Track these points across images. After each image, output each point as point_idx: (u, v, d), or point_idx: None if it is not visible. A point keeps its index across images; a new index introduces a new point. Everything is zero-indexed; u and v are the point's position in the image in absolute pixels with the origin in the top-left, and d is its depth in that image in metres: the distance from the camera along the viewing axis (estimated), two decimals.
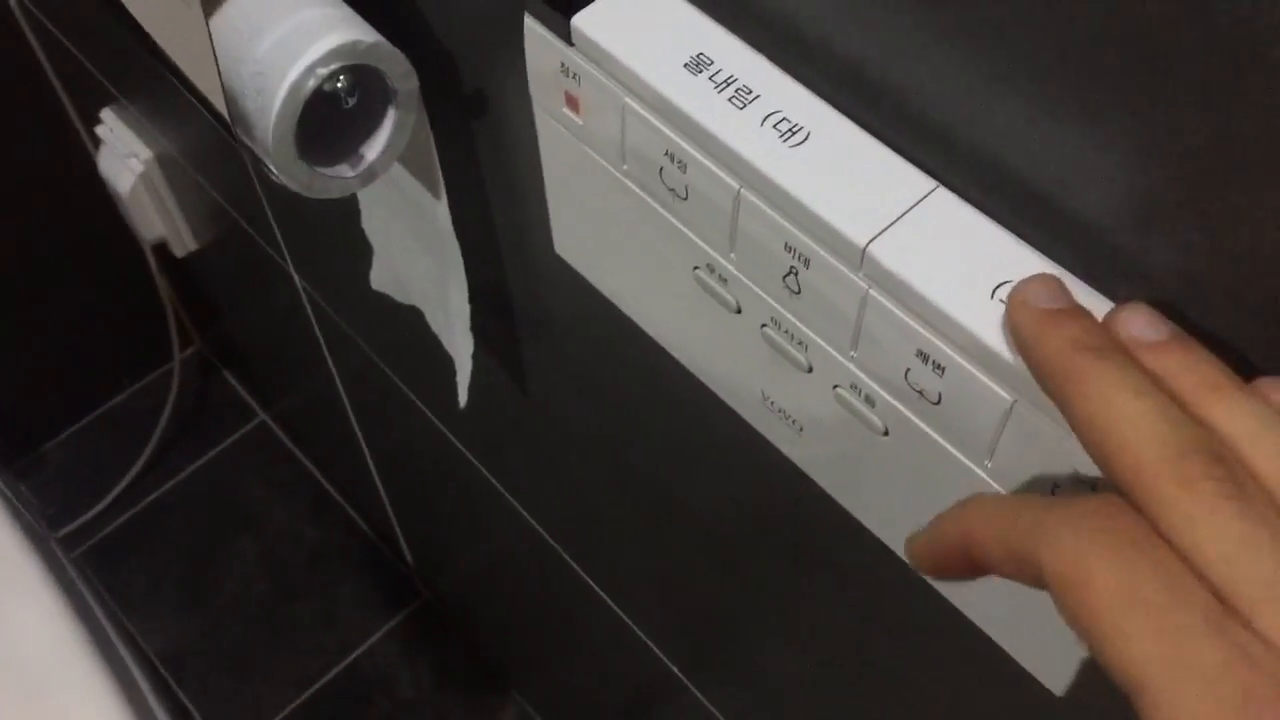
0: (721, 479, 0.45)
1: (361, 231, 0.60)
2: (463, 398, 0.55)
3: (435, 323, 0.56)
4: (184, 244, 1.03)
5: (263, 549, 1.30)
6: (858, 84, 0.27)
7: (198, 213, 0.97)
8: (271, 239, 0.83)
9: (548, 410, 0.58)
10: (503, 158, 0.42)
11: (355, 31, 0.39)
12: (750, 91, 0.28)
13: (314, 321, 0.88)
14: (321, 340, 0.90)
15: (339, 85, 0.39)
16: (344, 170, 0.42)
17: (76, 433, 1.34)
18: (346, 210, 0.63)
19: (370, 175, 0.42)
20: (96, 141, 0.99)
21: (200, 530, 1.31)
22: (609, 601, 0.71)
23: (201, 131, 0.80)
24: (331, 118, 0.41)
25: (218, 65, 0.38)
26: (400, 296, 0.59)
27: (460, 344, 0.53)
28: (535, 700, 1.19)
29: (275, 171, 0.40)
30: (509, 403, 0.61)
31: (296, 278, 0.83)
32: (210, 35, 0.37)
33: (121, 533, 1.30)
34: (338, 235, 0.70)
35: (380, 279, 0.59)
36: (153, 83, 0.82)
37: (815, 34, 0.27)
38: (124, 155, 0.94)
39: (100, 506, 1.30)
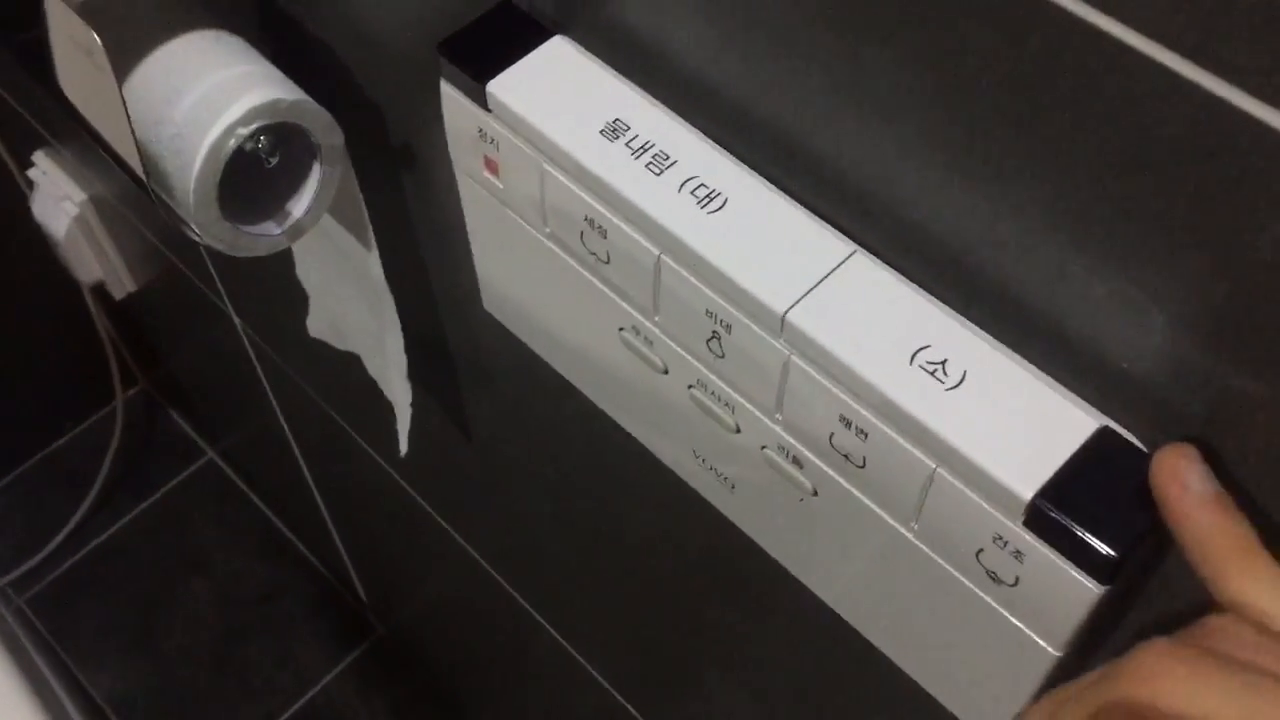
0: (660, 522, 0.45)
1: (287, 279, 0.59)
2: (404, 445, 0.55)
3: (374, 369, 0.55)
4: (123, 285, 1.01)
5: (214, 589, 1.28)
6: (774, 147, 0.27)
7: (135, 254, 0.96)
8: (210, 282, 0.82)
9: (491, 453, 0.58)
10: (431, 213, 0.42)
11: (276, 89, 0.38)
12: (667, 157, 0.28)
13: (256, 363, 0.87)
14: (265, 381, 0.89)
15: (260, 144, 0.39)
16: (270, 228, 0.41)
17: (18, 477, 1.32)
18: (282, 257, 0.63)
19: (297, 232, 0.42)
20: (29, 184, 0.97)
21: (149, 572, 1.29)
22: (557, 637, 0.70)
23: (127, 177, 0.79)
24: (255, 175, 0.40)
25: (132, 129, 0.37)
26: (338, 343, 0.58)
27: (399, 391, 0.53)
28: None
29: (198, 233, 0.40)
30: (452, 446, 0.61)
31: (237, 320, 0.82)
32: (124, 99, 0.37)
33: (68, 577, 1.27)
34: (275, 281, 0.69)
35: (317, 326, 0.58)
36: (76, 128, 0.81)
37: (731, 98, 0.27)
38: (58, 198, 0.93)
39: (46, 551, 1.27)
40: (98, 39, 0.35)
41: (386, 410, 0.63)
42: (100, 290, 1.08)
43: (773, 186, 0.27)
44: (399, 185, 0.43)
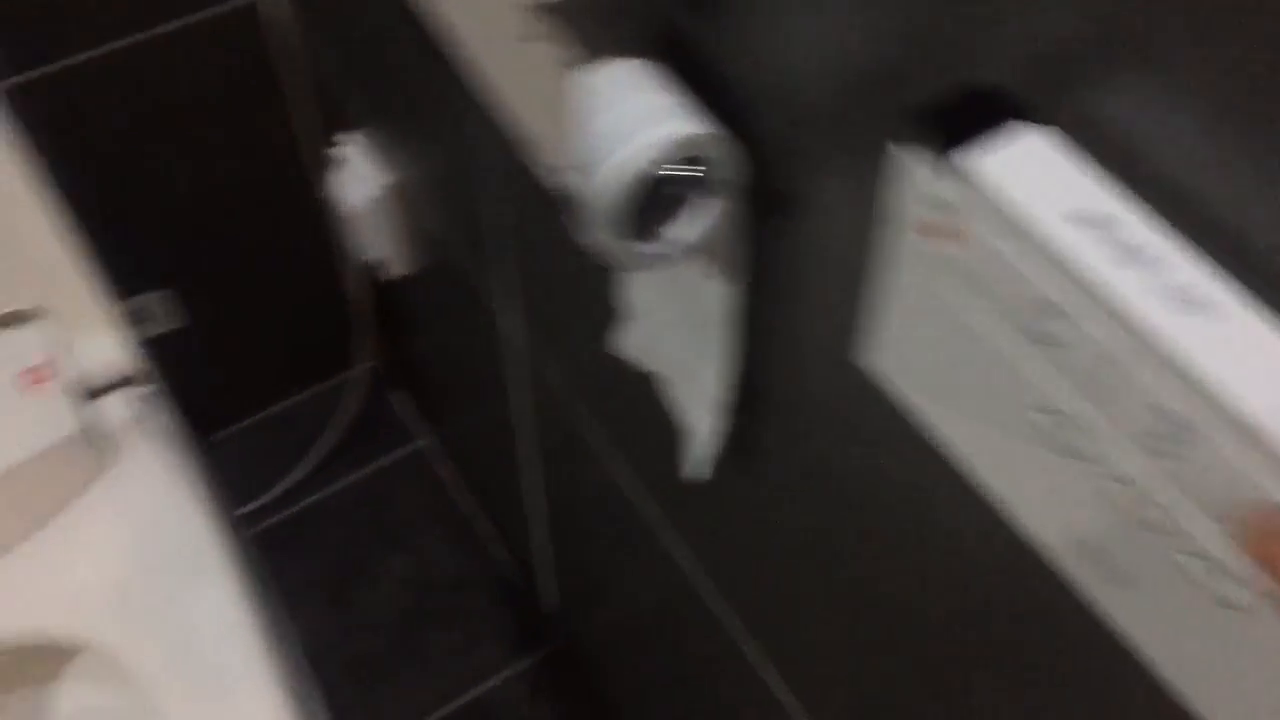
0: (957, 591, 0.45)
1: (594, 292, 0.61)
2: (694, 468, 0.56)
3: (679, 394, 0.57)
4: (394, 269, 1.07)
5: (408, 568, 1.33)
6: (1263, 265, 0.27)
7: (416, 242, 1.01)
8: (484, 280, 0.86)
9: (762, 489, 0.58)
10: (812, 262, 0.43)
11: (696, 124, 0.40)
12: (1143, 252, 0.28)
13: (506, 362, 0.90)
14: (509, 381, 0.92)
15: (670, 173, 0.41)
16: (652, 247, 0.43)
17: (247, 427, 1.39)
18: (584, 270, 0.65)
19: (679, 255, 0.43)
20: (330, 161, 1.04)
21: (351, 540, 1.34)
22: (780, 695, 0.70)
23: (443, 167, 0.83)
24: (649, 196, 0.42)
25: (567, 133, 0.40)
26: (642, 363, 0.60)
27: (705, 420, 0.54)
28: None
29: (596, 242, 0.42)
30: (722, 477, 0.62)
31: (499, 319, 0.85)
32: (567, 105, 0.39)
33: (276, 530, 1.34)
34: (566, 290, 0.72)
35: (626, 343, 0.60)
36: (401, 115, 0.86)
37: (1225, 215, 0.27)
38: (361, 178, 0.99)
39: (262, 500, 1.34)
40: (556, 41, 0.37)
41: (655, 429, 0.65)
42: (368, 269, 1.14)
43: (1254, 298, 0.27)
44: (778, 230, 0.44)
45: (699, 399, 0.54)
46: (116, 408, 0.90)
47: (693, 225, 0.43)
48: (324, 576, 1.32)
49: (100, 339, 0.91)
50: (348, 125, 1.04)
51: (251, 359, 1.33)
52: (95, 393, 0.90)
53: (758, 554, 0.63)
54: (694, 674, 0.89)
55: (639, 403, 0.69)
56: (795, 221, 0.43)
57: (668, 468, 0.70)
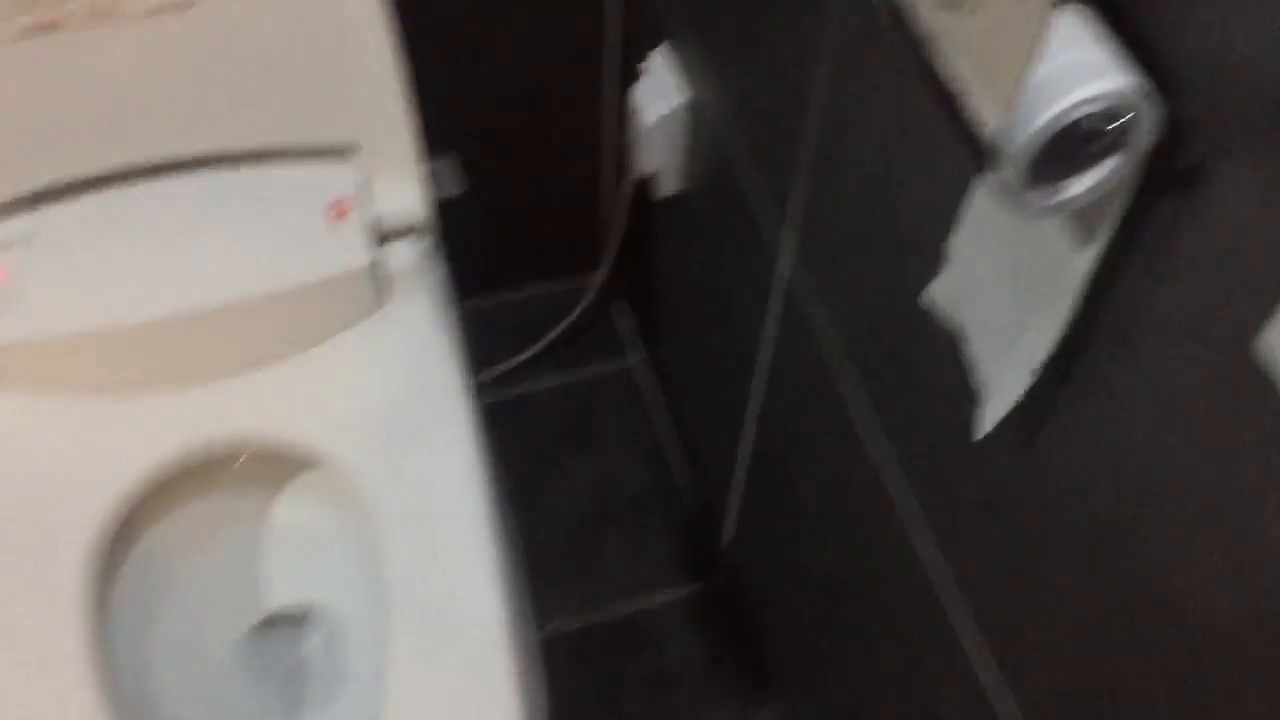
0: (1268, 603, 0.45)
1: (889, 236, 0.63)
2: (985, 428, 0.58)
3: (985, 351, 0.58)
4: (668, 186, 1.10)
5: (597, 472, 1.38)
6: None
7: (699, 162, 1.04)
8: (765, 208, 0.88)
9: (1044, 469, 0.59)
10: (1210, 242, 0.43)
11: (1127, 80, 0.41)
12: None
13: (770, 296, 0.93)
14: (768, 317, 0.95)
15: (1088, 124, 0.42)
16: (1046, 198, 0.45)
17: (485, 306, 1.46)
18: (885, 213, 0.67)
19: (1067, 209, 0.45)
20: (635, 72, 1.07)
21: (548, 437, 1.40)
22: (982, 672, 0.71)
23: (754, 91, 0.85)
24: (1059, 149, 0.43)
25: (1008, 79, 0.41)
26: (948, 315, 0.61)
27: (1012, 382, 0.55)
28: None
29: (1001, 186, 0.43)
30: (999, 448, 0.63)
31: (777, 251, 0.87)
32: (1029, 52, 0.41)
33: (486, 411, 1.40)
34: (861, 229, 0.73)
35: (937, 293, 0.61)
36: (721, 33, 0.88)
37: None
38: (660, 91, 1.02)
39: (478, 379, 1.41)
40: None
41: (927, 385, 0.66)
42: (637, 181, 1.18)
43: None
44: (1182, 201, 0.45)
45: (1011, 359, 0.55)
46: (401, 254, 0.96)
47: (1093, 181, 0.44)
48: (514, 466, 1.38)
49: (399, 187, 0.96)
50: (657, 37, 1.07)
51: (501, 243, 1.39)
52: (385, 236, 0.96)
53: (1008, 524, 0.64)
54: (876, 633, 0.90)
55: (908, 356, 0.70)
56: (1200, 197, 0.43)
57: (920, 424, 0.71)
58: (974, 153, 0.44)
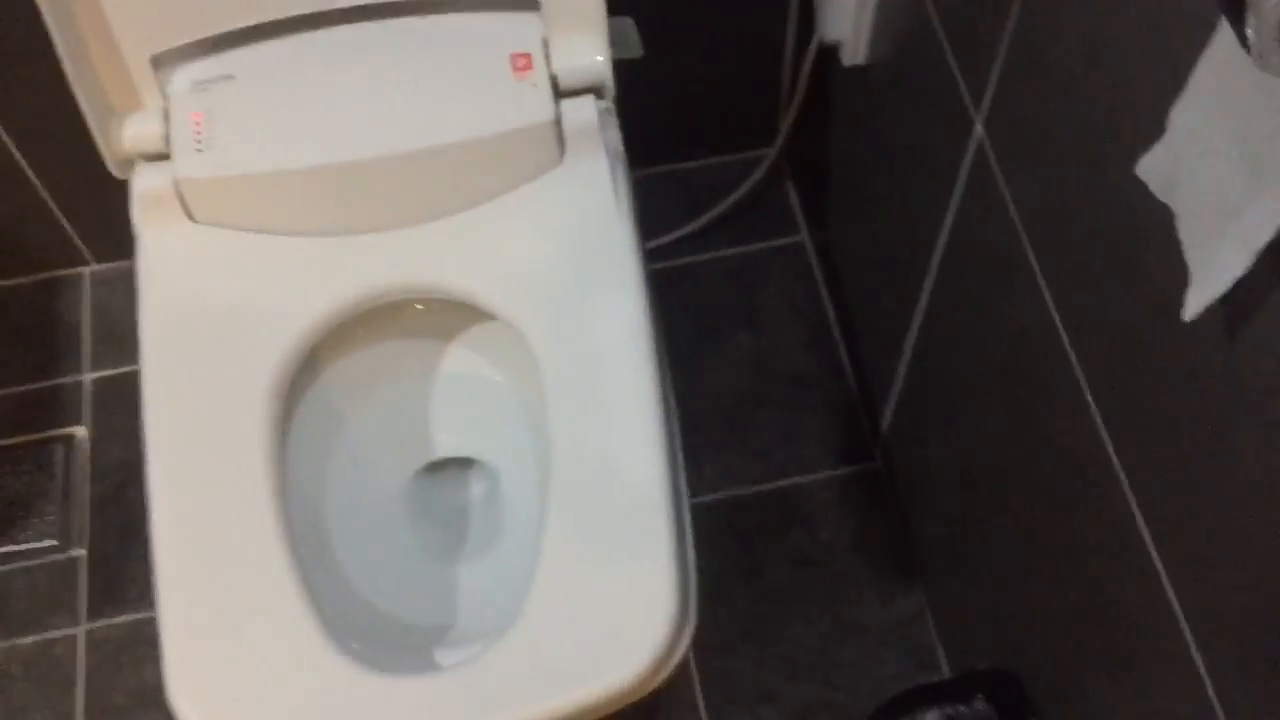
0: None
1: (1105, 103, 0.59)
2: (1194, 310, 0.54)
3: (1197, 231, 0.55)
4: (855, 54, 1.06)
5: (756, 349, 1.37)
6: None
7: (891, 30, 0.99)
8: (959, 80, 0.84)
9: (1249, 363, 0.56)
10: None
11: None
12: None
13: (958, 174, 0.89)
14: (953, 195, 0.91)
15: None
16: None
17: (657, 174, 1.44)
18: (1095, 75, 0.63)
19: None
20: None
21: (712, 309, 1.39)
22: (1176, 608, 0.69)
23: None
24: None
25: None
26: (1160, 190, 0.58)
27: (1227, 263, 0.52)
28: (941, 613, 1.20)
29: (1249, 41, 0.40)
30: (1200, 336, 0.60)
31: (978, 127, 0.84)
32: None
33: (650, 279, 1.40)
34: (1066, 99, 0.69)
35: (1151, 165, 0.58)
36: None
37: None
38: None
39: (647, 246, 1.40)
40: None
41: (1135, 269, 0.63)
42: (821, 50, 1.14)
43: None
44: None
45: (1231, 237, 0.52)
46: (581, 112, 0.95)
47: None
48: (674, 336, 1.38)
49: (582, 44, 0.95)
50: None
51: (675, 113, 1.37)
52: (566, 93, 0.95)
53: (1202, 422, 0.61)
54: (1041, 532, 0.88)
55: (1105, 235, 0.67)
56: None
57: (1111, 309, 0.68)
58: (1223, 4, 0.41)
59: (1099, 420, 0.73)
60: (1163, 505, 0.68)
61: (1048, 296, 0.77)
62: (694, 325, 1.38)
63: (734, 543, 1.26)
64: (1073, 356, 0.75)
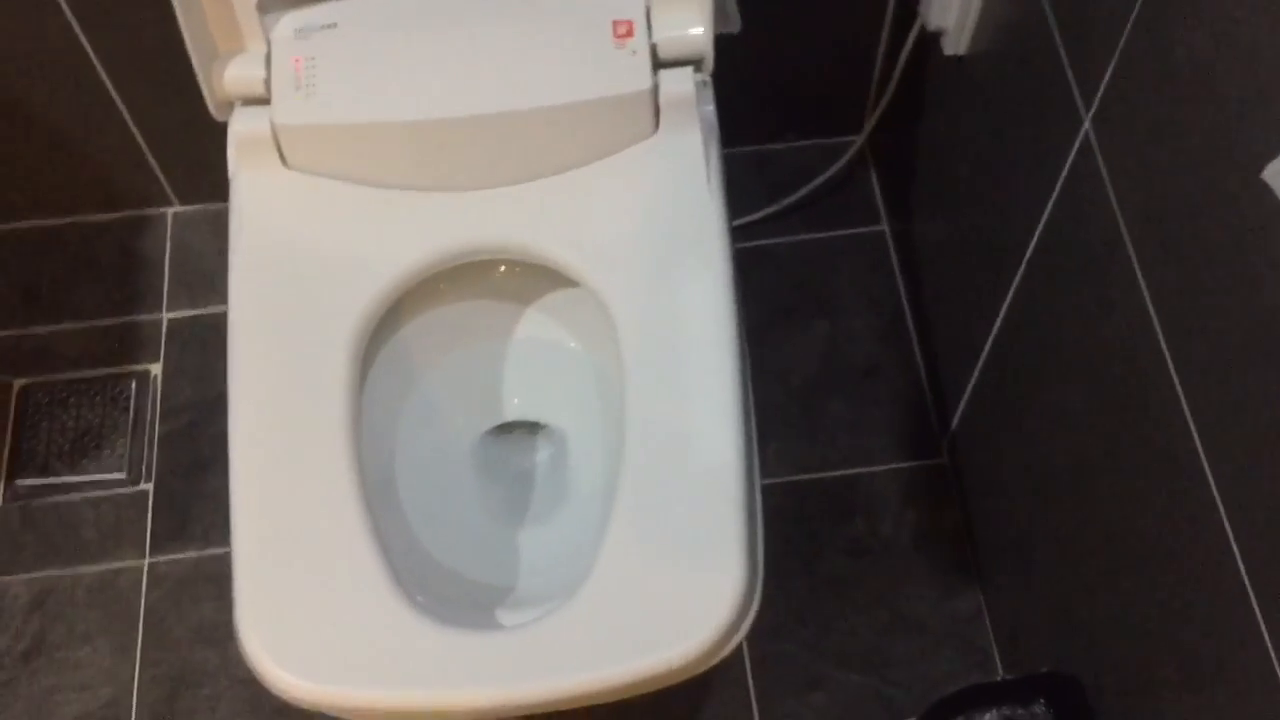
0: None
1: (1230, 101, 0.58)
2: None
3: None
4: (959, 44, 1.04)
5: (830, 337, 1.36)
6: None
7: (997, 20, 0.98)
8: (1068, 75, 0.82)
9: None
10: None
11: None
12: None
13: (1059, 172, 0.87)
14: (1052, 193, 0.89)
15: None
16: None
17: (745, 154, 1.43)
18: (1220, 72, 0.61)
19: None
20: None
21: (787, 293, 1.38)
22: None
23: None
24: None
25: None
26: None
27: None
28: (999, 614, 1.19)
29: None
30: None
31: (1086, 124, 0.82)
32: None
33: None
34: (1186, 99, 0.68)
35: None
36: None
37: None
38: None
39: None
40: None
41: (1235, 275, 0.61)
42: (921, 38, 1.12)
43: None
44: None
45: None
46: (678, 82, 0.94)
47: None
48: (750, 317, 1.37)
49: (683, 15, 0.94)
50: None
51: (765, 92, 1.36)
52: (665, 63, 0.95)
53: None
54: (1121, 543, 0.87)
55: (1215, 242, 0.65)
56: None
57: (1214, 317, 0.66)
58: None
59: (1193, 427, 0.71)
60: (1255, 518, 0.66)
61: (1148, 299, 0.75)
62: (767, 308, 1.37)
63: (794, 528, 1.26)
64: (1169, 361, 0.73)
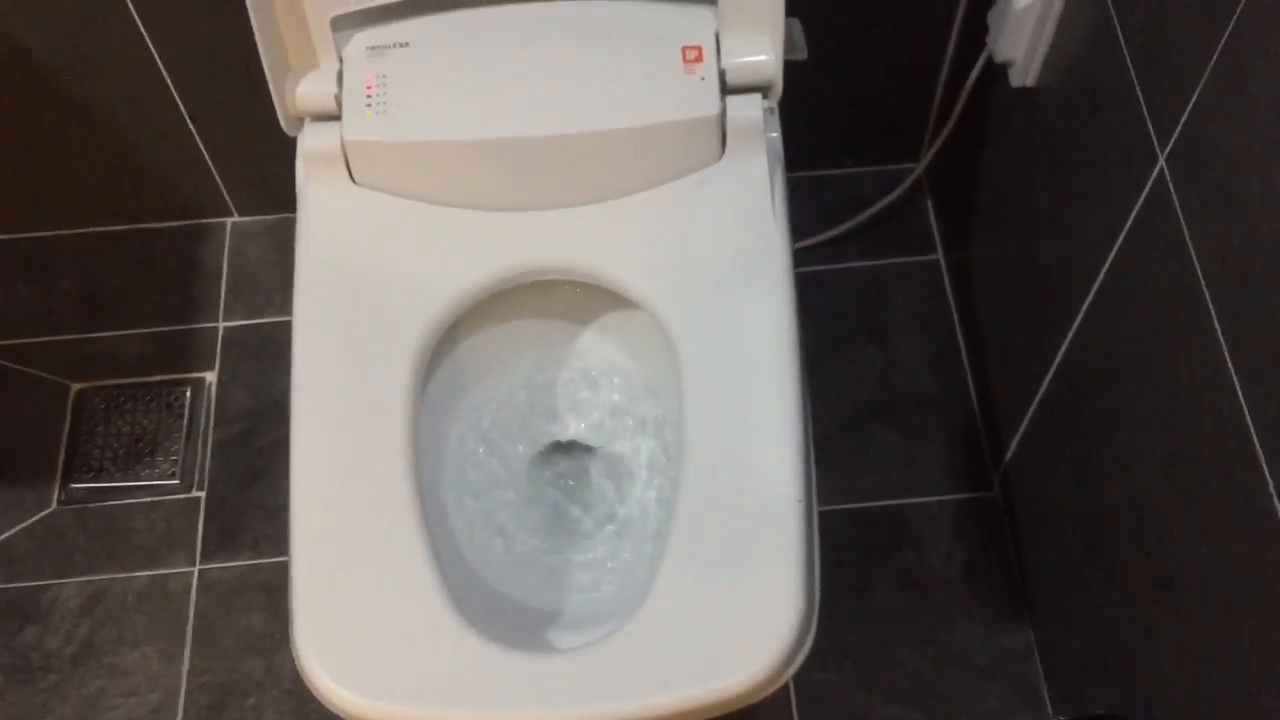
0: None
1: None
2: None
3: None
4: (1027, 75, 1.04)
5: (882, 364, 1.35)
6: None
7: (1077, 53, 0.97)
8: (1143, 112, 0.81)
9: None
10: None
11: None
12: None
13: (1134, 211, 0.86)
14: (1124, 231, 0.89)
15: None
16: None
17: (802, 179, 1.43)
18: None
19: None
20: None
21: (840, 319, 1.38)
22: None
23: None
24: None
25: None
26: None
27: None
28: (1050, 651, 1.17)
29: None
30: None
31: (1161, 160, 0.81)
32: None
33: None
34: (1272, 140, 0.67)
35: None
36: None
37: None
38: None
39: None
40: None
41: None
42: (987, 69, 1.12)
43: None
44: None
45: None
46: (746, 108, 0.94)
47: None
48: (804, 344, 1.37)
49: (753, 42, 0.95)
50: None
51: (825, 118, 1.36)
52: (734, 89, 0.95)
53: None
54: (1183, 585, 0.86)
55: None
56: None
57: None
58: None
59: (1268, 476, 0.70)
60: None
61: (1223, 344, 0.74)
62: (820, 334, 1.37)
63: (842, 557, 1.25)
64: (1245, 408, 0.72)
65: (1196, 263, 0.77)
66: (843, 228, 1.40)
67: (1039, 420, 1.14)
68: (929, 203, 1.45)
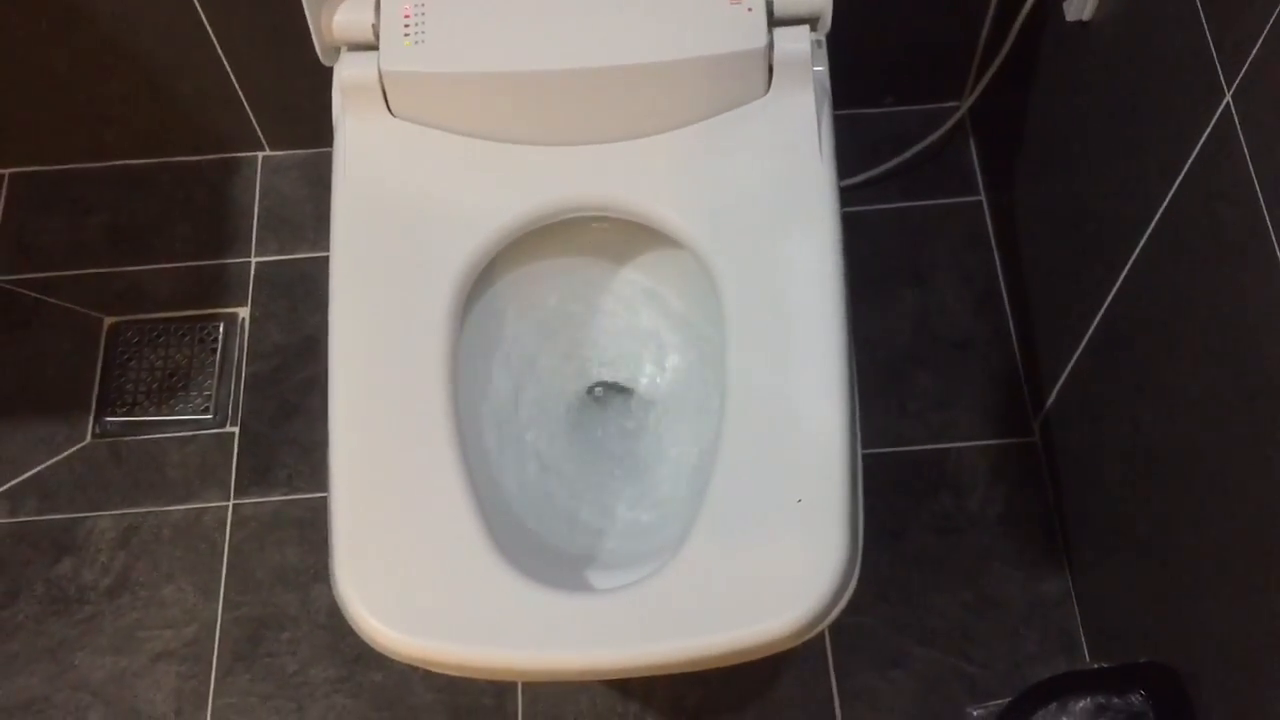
0: None
1: None
2: None
3: None
4: (1084, 9, 1.00)
5: (920, 307, 1.33)
6: None
7: None
8: (1230, 41, 0.79)
9: None
10: None
11: None
12: None
13: (1196, 149, 0.84)
14: (1184, 170, 0.86)
15: None
16: None
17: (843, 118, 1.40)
18: None
19: None
20: None
21: (879, 261, 1.35)
22: None
23: None
24: None
25: None
26: None
27: None
28: (1088, 598, 1.16)
29: None
30: None
31: (1228, 97, 0.78)
32: None
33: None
34: None
35: None
36: None
37: None
38: None
39: None
40: None
41: None
42: (1040, 3, 1.09)
43: None
44: None
45: None
46: (794, 41, 0.92)
47: None
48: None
49: None
50: None
51: (871, 55, 1.33)
52: (781, 20, 0.92)
53: None
54: (1218, 532, 0.84)
55: None
56: None
57: None
58: None
59: None
60: None
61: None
62: (859, 276, 1.33)
63: (879, 501, 1.23)
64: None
65: (1264, 204, 0.75)
66: (883, 168, 1.37)
67: (1084, 364, 1.12)
68: (971, 142, 1.41)
